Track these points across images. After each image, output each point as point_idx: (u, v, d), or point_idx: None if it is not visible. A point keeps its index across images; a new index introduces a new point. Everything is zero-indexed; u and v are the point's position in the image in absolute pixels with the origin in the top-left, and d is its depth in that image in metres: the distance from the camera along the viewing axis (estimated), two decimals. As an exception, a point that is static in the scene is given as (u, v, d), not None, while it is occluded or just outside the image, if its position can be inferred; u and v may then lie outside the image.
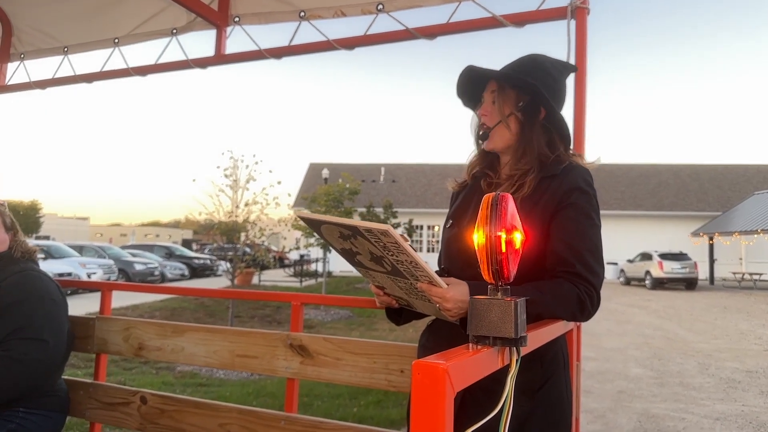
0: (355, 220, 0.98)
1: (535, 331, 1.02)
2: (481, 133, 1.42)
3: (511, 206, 0.75)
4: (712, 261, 24.45)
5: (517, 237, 0.73)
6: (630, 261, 23.46)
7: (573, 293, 1.23)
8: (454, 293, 1.12)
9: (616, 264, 25.71)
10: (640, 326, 10.86)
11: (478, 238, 0.73)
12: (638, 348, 8.43)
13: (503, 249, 0.71)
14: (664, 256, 21.11)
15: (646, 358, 7.62)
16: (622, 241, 27.46)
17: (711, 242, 24.35)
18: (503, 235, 0.72)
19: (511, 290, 1.14)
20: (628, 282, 23.49)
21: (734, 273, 23.42)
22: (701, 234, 25.08)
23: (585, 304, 1.24)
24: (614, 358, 7.58)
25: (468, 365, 0.63)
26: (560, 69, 1.46)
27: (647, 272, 21.55)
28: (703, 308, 14.46)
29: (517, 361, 0.75)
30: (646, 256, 22.08)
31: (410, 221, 17.81)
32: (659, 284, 21.02)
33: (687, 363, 7.38)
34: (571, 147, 1.47)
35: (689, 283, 21.02)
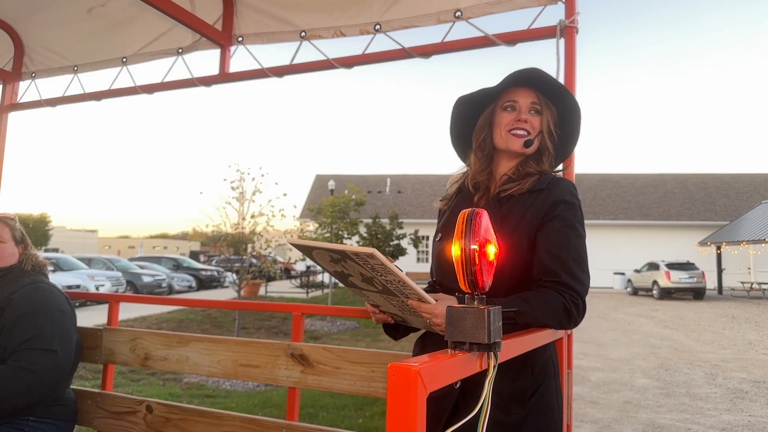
0: (343, 245, 1.03)
1: (519, 338, 1.07)
2: (525, 141, 1.45)
3: (485, 221, 0.80)
4: (720, 270, 24.26)
5: (491, 250, 0.79)
6: (637, 271, 23.34)
7: (559, 302, 1.27)
8: (442, 309, 1.17)
9: (623, 274, 25.57)
10: (647, 336, 10.80)
11: (454, 251, 0.79)
12: (645, 358, 8.39)
13: (477, 261, 0.77)
14: (672, 266, 21.00)
15: (653, 369, 7.59)
16: (629, 251, 27.36)
17: (719, 252, 24.18)
18: (477, 248, 0.77)
19: (498, 301, 1.20)
20: (635, 292, 23.35)
21: (743, 282, 23.23)
22: (709, 243, 24.91)
23: (571, 312, 1.28)
24: (621, 369, 7.55)
25: (441, 368, 0.68)
26: None
27: (654, 282, 21.43)
28: (711, 318, 14.36)
29: (494, 366, 0.80)
30: (653, 266, 21.97)
31: (416, 232, 17.85)
32: (667, 294, 20.90)
33: (694, 373, 7.34)
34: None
35: (697, 293, 20.88)
